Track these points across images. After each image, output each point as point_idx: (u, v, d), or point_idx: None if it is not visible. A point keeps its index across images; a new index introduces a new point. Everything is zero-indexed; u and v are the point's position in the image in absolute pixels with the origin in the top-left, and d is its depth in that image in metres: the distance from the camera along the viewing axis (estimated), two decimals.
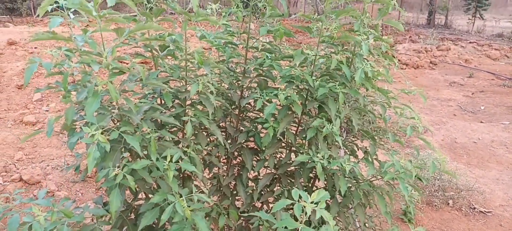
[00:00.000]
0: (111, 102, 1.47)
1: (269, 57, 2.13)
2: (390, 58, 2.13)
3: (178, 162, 1.49)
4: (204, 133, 1.99)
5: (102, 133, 1.25)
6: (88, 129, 1.22)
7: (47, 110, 7.19)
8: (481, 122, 7.19)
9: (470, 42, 16.71)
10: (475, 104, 8.27)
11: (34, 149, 5.85)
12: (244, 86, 2.16)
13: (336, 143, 2.05)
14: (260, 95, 2.02)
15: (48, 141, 6.16)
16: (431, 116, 7.38)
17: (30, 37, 11.43)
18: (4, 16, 19.69)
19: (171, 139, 1.81)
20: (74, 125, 1.47)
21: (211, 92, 1.71)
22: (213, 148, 2.19)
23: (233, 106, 2.28)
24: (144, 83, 1.49)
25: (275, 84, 2.23)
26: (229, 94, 2.19)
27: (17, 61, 9.81)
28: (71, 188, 4.67)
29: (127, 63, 1.71)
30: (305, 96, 2.06)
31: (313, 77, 2.00)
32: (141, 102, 1.56)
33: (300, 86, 2.11)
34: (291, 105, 2.03)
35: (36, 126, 6.53)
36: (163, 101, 1.86)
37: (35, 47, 10.70)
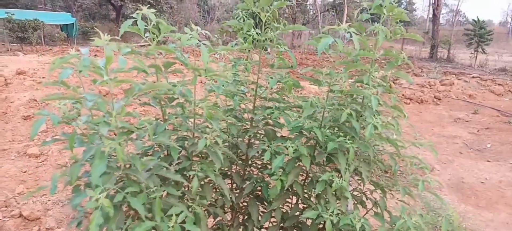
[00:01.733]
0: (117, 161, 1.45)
1: (277, 106, 2.11)
2: (400, 109, 2.11)
3: (184, 222, 1.45)
4: (210, 184, 1.95)
5: (106, 196, 1.22)
6: (92, 193, 1.19)
7: (53, 136, 7.17)
8: (488, 161, 7.09)
9: (473, 77, 16.78)
10: (481, 142, 8.18)
11: (36, 182, 5.79)
12: (251, 136, 2.13)
13: (345, 195, 2.00)
14: (268, 146, 1.99)
15: (51, 174, 6.11)
16: (437, 154, 7.29)
17: (39, 68, 11.61)
18: (15, 44, 20.11)
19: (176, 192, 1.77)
20: (79, 182, 1.44)
21: (219, 147, 1.69)
22: (219, 197, 2.14)
23: (240, 155, 2.25)
24: (151, 139, 1.46)
25: (282, 131, 2.20)
26: (237, 143, 2.16)
27: (24, 91, 9.92)
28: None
29: (132, 124, 1.69)
30: (313, 148, 2.02)
31: (322, 129, 1.98)
32: (147, 157, 1.54)
33: (308, 136, 2.08)
34: (299, 157, 1.99)
35: (40, 158, 6.49)
36: (169, 153, 1.83)
37: (43, 77, 10.84)
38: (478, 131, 9.04)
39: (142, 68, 1.46)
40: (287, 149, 1.86)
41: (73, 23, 23.46)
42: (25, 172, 6.02)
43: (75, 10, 29.21)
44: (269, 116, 2.06)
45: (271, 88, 1.99)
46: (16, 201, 5.05)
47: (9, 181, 5.71)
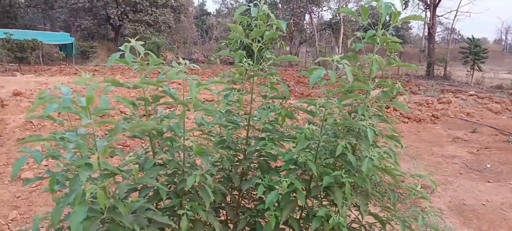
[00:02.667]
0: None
1: (270, 137, 2.06)
2: (397, 139, 2.05)
3: None
4: (201, 220, 1.87)
5: None
6: None
7: (47, 165, 7.07)
8: (489, 182, 7.00)
9: (470, 95, 16.82)
10: (480, 162, 8.10)
11: (30, 207, 5.66)
12: (244, 168, 2.07)
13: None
14: (261, 179, 1.92)
15: (45, 199, 5.99)
16: (436, 174, 7.20)
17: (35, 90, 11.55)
18: (13, 64, 20.14)
19: None
20: (61, 225, 1.37)
21: (209, 184, 1.62)
22: None
23: (233, 188, 2.18)
24: (137, 182, 1.40)
25: (276, 163, 2.14)
26: (230, 175, 2.09)
27: (21, 112, 9.85)
28: None
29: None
30: (309, 181, 1.96)
31: (317, 160, 1.91)
32: (132, 198, 1.47)
33: (303, 168, 2.02)
34: (294, 191, 1.92)
35: (34, 183, 6.38)
36: (157, 190, 1.76)
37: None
38: (477, 150, 8.97)
39: (128, 104, 1.41)
40: (281, 183, 1.79)
41: (72, 43, 23.58)
42: (18, 197, 5.89)
43: (74, 30, 29.41)
44: (263, 148, 2.00)
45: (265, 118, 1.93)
46: (8, 228, 4.92)
47: (2, 207, 5.58)
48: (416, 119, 11.98)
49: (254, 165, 2.12)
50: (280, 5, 39.77)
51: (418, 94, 17.36)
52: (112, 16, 29.05)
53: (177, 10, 34.12)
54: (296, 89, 17.68)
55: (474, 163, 8.12)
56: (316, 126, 2.07)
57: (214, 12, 52.81)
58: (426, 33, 38.13)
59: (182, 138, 1.65)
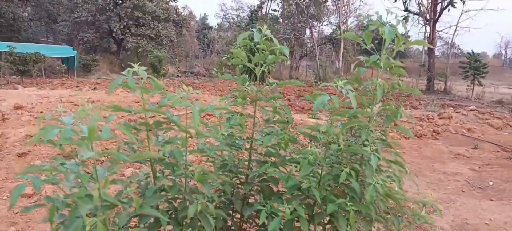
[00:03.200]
0: None
1: (273, 161, 2.04)
2: (401, 165, 2.03)
3: None
4: None
5: None
6: None
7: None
8: (491, 200, 6.93)
9: (471, 110, 16.81)
10: (483, 180, 8.04)
11: (28, 224, 5.59)
12: (246, 193, 2.04)
13: None
14: (263, 205, 1.90)
15: (43, 215, 5.93)
16: (438, 192, 7.14)
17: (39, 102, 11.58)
18: (15, 77, 20.24)
19: None
20: None
21: (210, 212, 1.60)
22: None
23: (233, 210, 2.15)
24: (137, 212, 1.38)
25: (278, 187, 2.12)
26: (231, 200, 2.07)
27: (21, 126, 9.84)
28: None
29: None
30: (312, 207, 1.93)
31: (320, 185, 1.89)
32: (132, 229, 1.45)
33: (306, 194, 1.99)
34: (297, 217, 1.90)
35: (33, 198, 6.31)
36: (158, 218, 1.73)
37: (41, 112, 10.81)
38: (479, 167, 8.91)
39: (129, 133, 1.40)
40: (284, 210, 1.77)
41: (74, 56, 23.74)
42: (16, 213, 5.84)
43: (77, 43, 29.62)
44: (266, 172, 1.97)
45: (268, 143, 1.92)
46: None
47: (0, 223, 5.52)
48: (417, 134, 11.94)
49: (256, 189, 2.10)
50: (281, 20, 40.16)
51: (419, 109, 17.36)
52: (114, 30, 29.29)
53: (179, 24, 34.42)
54: (297, 103, 17.67)
55: (476, 180, 8.05)
56: (318, 149, 2.05)
57: (215, 26, 53.31)
58: (426, 48, 38.35)
59: (184, 165, 1.63)
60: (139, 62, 1.79)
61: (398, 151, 2.08)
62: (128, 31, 29.53)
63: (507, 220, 5.96)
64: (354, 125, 2.02)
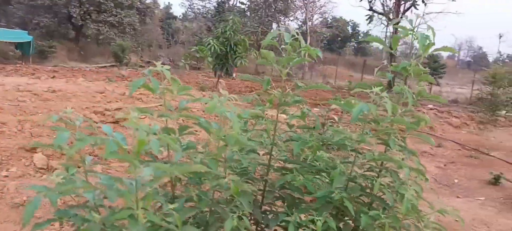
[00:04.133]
0: None
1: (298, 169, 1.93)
2: (422, 173, 2.01)
3: None
4: None
5: None
6: None
7: (7, 176, 6.45)
8: (458, 197, 7.29)
9: (430, 109, 17.65)
10: (448, 177, 8.44)
11: None
12: (267, 203, 1.93)
13: None
14: (288, 215, 1.79)
15: (6, 215, 5.45)
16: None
17: None
18: None
19: None
20: None
21: (246, 227, 1.47)
22: None
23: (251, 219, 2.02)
24: None
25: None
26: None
27: None
28: None
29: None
30: (340, 218, 1.86)
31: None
32: None
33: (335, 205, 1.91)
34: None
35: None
36: None
37: None
38: (445, 165, 9.35)
39: (157, 149, 1.23)
40: (315, 222, 1.67)
41: (29, 42, 22.15)
42: None
43: (32, 27, 27.67)
44: (293, 181, 1.86)
45: (296, 151, 1.81)
46: None
47: None
48: None
49: (276, 197, 1.98)
50: (248, 13, 40.00)
51: None
52: (74, 15, 27.69)
53: (142, 12, 33.23)
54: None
55: (443, 177, 8.44)
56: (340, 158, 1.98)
57: (180, 16, 52.06)
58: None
59: (216, 177, 1.49)
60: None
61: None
62: (88, 17, 28.03)
63: (474, 217, 6.28)
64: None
